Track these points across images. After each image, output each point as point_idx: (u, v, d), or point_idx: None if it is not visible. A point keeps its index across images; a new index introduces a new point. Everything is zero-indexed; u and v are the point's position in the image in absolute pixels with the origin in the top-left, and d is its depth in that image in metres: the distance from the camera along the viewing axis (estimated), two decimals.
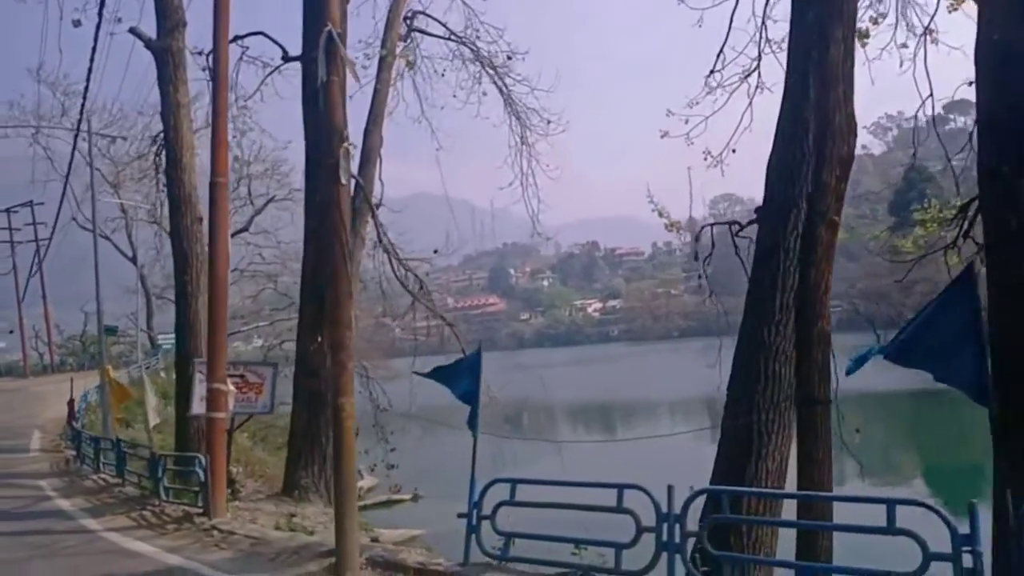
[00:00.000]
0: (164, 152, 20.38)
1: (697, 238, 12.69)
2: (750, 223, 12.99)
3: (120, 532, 10.01)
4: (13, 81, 56.82)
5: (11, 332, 59.18)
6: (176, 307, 19.84)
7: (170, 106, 19.44)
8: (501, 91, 20.51)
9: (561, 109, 20.70)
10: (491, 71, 20.24)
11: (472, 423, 7.25)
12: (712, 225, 12.73)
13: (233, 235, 51.77)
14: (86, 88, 19.50)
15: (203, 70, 19.21)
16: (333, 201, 7.53)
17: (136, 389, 31.90)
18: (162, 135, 20.94)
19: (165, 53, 19.39)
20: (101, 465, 14.62)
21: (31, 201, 55.70)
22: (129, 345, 62.87)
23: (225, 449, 10.49)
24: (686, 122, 11.22)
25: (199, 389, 11.44)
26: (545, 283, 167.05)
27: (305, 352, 11.92)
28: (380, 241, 15.35)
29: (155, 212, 53.17)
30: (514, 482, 6.75)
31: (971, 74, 6.12)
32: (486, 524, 6.84)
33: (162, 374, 39.04)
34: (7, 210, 56.50)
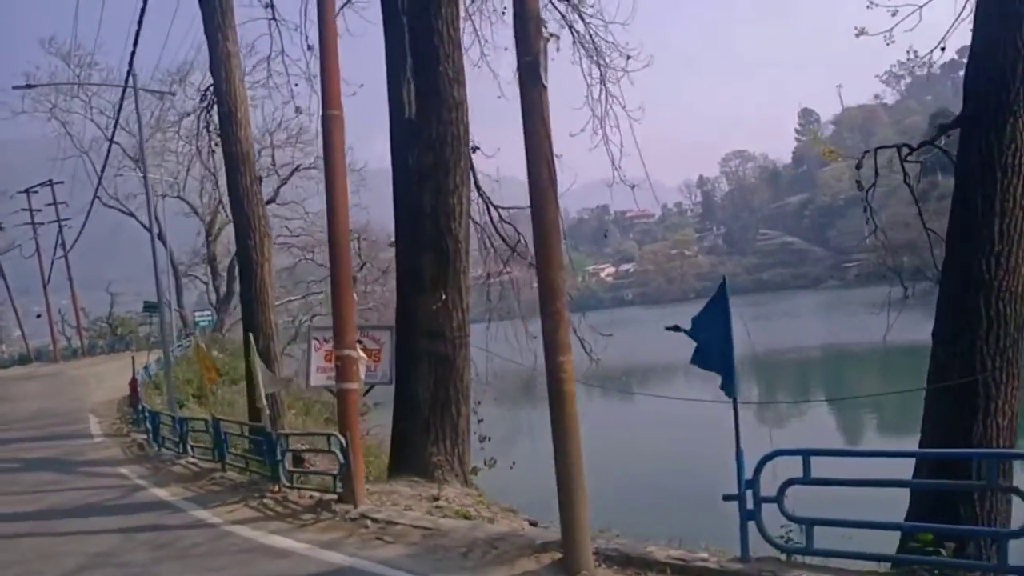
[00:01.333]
0: (215, 107, 18.83)
1: (858, 166, 11.17)
2: (922, 144, 11.41)
3: (248, 525, 8.65)
4: (25, 53, 54.27)
5: (39, 316, 58.12)
6: (240, 277, 18.41)
7: (219, 56, 17.83)
8: (573, 28, 18.60)
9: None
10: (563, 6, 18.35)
11: (727, 384, 5.73)
12: (879, 148, 11.14)
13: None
14: (135, 42, 17.79)
15: (265, 7, 17.46)
16: (535, 109, 5.94)
17: (187, 365, 30.74)
18: (212, 90, 19.34)
19: None
20: (189, 448, 13.28)
21: (50, 180, 54.20)
22: (156, 325, 61.98)
23: (360, 425, 9.06)
24: None
25: (315, 358, 9.99)
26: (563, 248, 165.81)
27: (424, 311, 10.42)
28: (478, 189, 13.76)
29: (178, 186, 52.23)
30: (807, 453, 5.24)
31: None
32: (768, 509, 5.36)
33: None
34: (27, 191, 55.02)
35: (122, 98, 20.01)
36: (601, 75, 13.76)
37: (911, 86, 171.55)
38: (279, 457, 9.76)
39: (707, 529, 6.93)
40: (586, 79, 13.87)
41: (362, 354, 9.11)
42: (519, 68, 6.03)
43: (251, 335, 16.13)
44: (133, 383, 19.14)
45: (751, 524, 5.33)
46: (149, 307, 35.52)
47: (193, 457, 13.23)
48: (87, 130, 52.07)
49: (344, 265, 9.12)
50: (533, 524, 8.74)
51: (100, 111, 49.58)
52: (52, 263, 55.38)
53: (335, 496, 9.01)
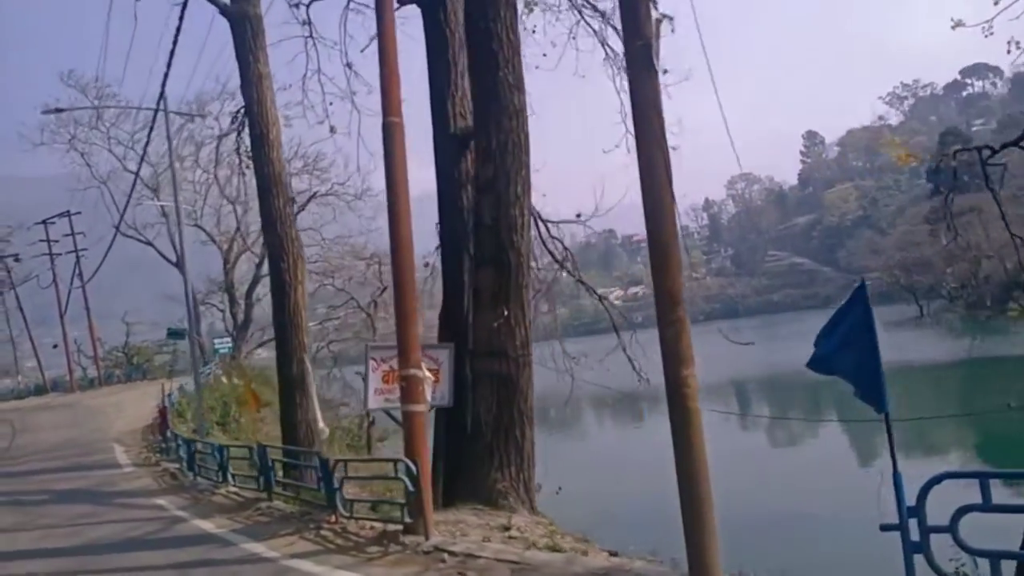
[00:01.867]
0: (247, 130, 18.49)
1: (936, 169, 10.49)
2: (1004, 146, 10.83)
3: (309, 559, 8.03)
4: (44, 87, 54.60)
5: (55, 347, 57.83)
6: (273, 300, 17.94)
7: (251, 78, 17.57)
8: (606, 44, 18.18)
9: None
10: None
11: (875, 397, 5.12)
12: (957, 151, 10.59)
13: None
14: (169, 63, 17.53)
15: (303, 24, 17.18)
16: (649, 98, 5.42)
17: (207, 393, 30.15)
18: (243, 112, 19.03)
19: (243, 19, 17.52)
20: (230, 477, 12.67)
21: (68, 211, 54.28)
22: (173, 354, 61.59)
23: (428, 451, 8.46)
24: None
25: (373, 379, 9.43)
26: (564, 274, 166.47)
27: (484, 329, 9.87)
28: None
29: (195, 214, 52.07)
30: (984, 476, 4.59)
31: None
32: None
33: (225, 379, 37.17)
34: (44, 222, 55.06)
35: (153, 120, 19.66)
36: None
37: (914, 107, 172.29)
38: (336, 485, 9.14)
39: (847, 562, 6.27)
40: (619, 93, 13.47)
41: (428, 374, 8.54)
42: (627, 54, 5.54)
43: (284, 361, 15.72)
44: (163, 411, 18.60)
45: (917, 557, 4.68)
46: (174, 334, 35.10)
47: (234, 486, 12.63)
48: (103, 161, 52.18)
49: (408, 279, 8.58)
50: (613, 555, 8.09)
51: (118, 142, 49.77)
52: (69, 293, 55.23)
53: (399, 527, 8.41)
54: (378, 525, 8.82)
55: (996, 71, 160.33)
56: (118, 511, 12.50)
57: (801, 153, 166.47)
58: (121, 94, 50.01)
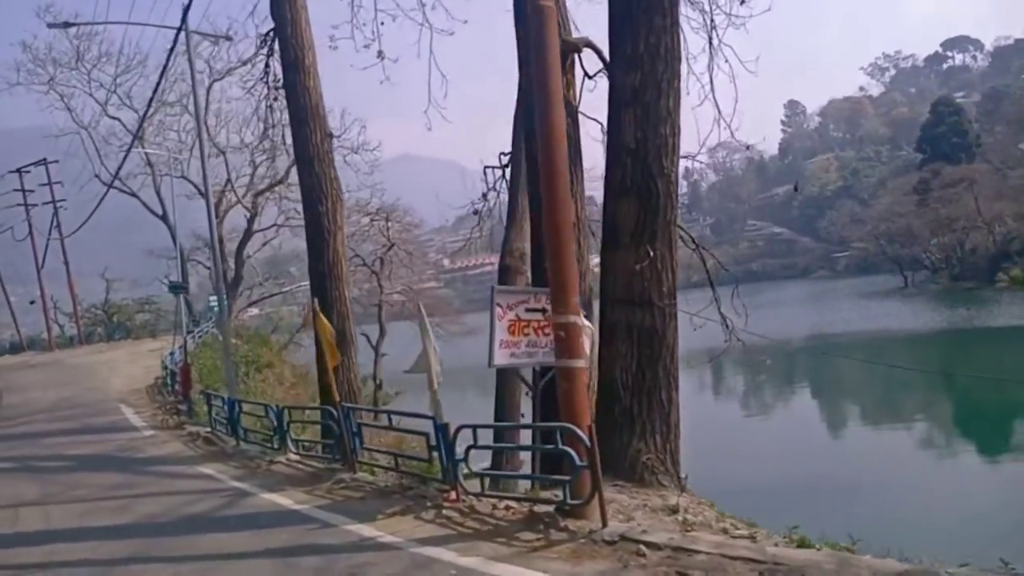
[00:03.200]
0: (279, 55, 16.47)
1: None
2: None
3: (447, 547, 6.45)
4: (22, 21, 51.07)
5: (32, 303, 55.11)
6: (310, 248, 16.17)
7: None
8: None
9: None
10: None
11: None
12: None
13: (269, 188, 48.11)
14: None
15: None
16: None
17: (208, 353, 28.38)
18: (273, 35, 16.99)
19: None
20: (290, 443, 11.04)
21: (44, 159, 51.22)
22: (155, 313, 59.18)
23: (591, 418, 6.89)
24: None
25: (499, 330, 7.81)
26: None
27: (622, 272, 8.28)
28: None
29: (182, 165, 49.35)
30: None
31: None
32: None
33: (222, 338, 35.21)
34: (19, 170, 51.90)
35: (174, 44, 17.49)
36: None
37: (895, 78, 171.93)
38: (463, 456, 7.56)
39: None
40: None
41: (588, 323, 6.96)
42: None
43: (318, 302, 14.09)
44: (185, 370, 16.80)
45: None
46: (175, 288, 32.89)
47: (295, 453, 11.01)
48: (82, 107, 49.15)
49: (563, 202, 6.93)
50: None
51: (100, 85, 46.70)
52: (47, 246, 52.37)
53: (548, 508, 6.89)
54: (513, 504, 7.29)
55: (977, 44, 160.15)
56: (161, 481, 10.83)
57: (782, 123, 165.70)
58: (104, 32, 46.62)
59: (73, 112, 47.30)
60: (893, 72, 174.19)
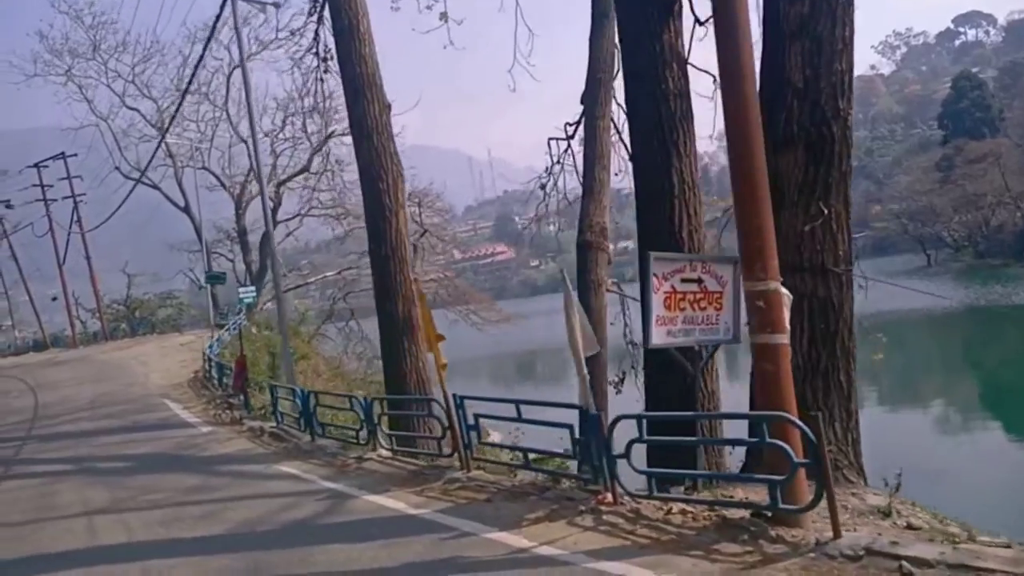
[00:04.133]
0: (329, 24, 15.35)
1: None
2: None
3: (631, 562, 5.37)
4: (36, 10, 49.92)
5: (54, 299, 54.40)
6: (369, 228, 15.05)
7: None
8: None
9: None
10: None
11: None
12: None
13: (293, 177, 47.06)
14: None
15: None
16: None
17: (246, 346, 27.43)
18: (322, 2, 15.87)
19: None
20: (381, 438, 9.98)
21: (63, 153, 50.29)
22: (177, 307, 58.41)
23: (793, 402, 5.77)
24: None
25: (656, 304, 6.68)
26: (552, 228, 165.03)
27: (786, 236, 7.13)
28: None
29: (203, 156, 48.31)
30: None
31: None
32: None
33: (255, 330, 34.32)
34: (36, 165, 51.02)
35: (220, 11, 16.39)
36: None
37: (907, 56, 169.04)
38: (622, 451, 6.46)
39: None
40: None
41: (786, 291, 5.82)
42: None
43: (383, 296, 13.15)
44: (240, 362, 15.77)
45: None
46: (213, 278, 31.98)
47: (386, 449, 9.95)
48: (100, 98, 48.18)
49: (757, 148, 5.78)
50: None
51: (118, 75, 45.69)
52: (67, 241, 51.59)
53: (742, 513, 5.80)
54: (690, 508, 6.19)
55: (989, 19, 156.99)
56: (242, 482, 9.80)
57: None
58: (119, 21, 45.69)
59: (91, 103, 46.40)
60: (904, 50, 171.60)
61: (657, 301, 6.70)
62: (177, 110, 30.88)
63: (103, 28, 45.33)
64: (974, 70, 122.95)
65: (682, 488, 6.75)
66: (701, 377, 7.30)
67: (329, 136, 45.85)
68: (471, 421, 8.05)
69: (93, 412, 18.49)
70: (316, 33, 16.05)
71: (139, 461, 12.12)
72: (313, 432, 11.61)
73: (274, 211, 47.18)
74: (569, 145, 16.47)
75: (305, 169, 46.88)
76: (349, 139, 46.32)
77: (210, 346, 25.11)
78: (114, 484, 10.40)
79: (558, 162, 16.62)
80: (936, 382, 33.40)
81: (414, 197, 36.52)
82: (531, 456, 8.29)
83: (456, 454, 8.47)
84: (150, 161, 31.46)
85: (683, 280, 6.89)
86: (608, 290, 14.03)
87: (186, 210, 48.29)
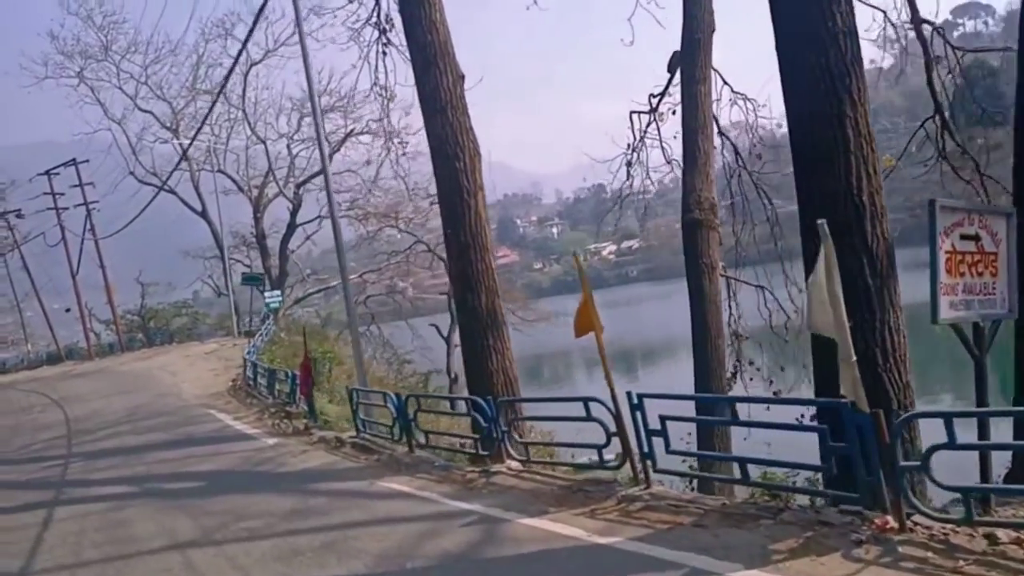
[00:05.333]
0: None
1: None
2: None
3: None
4: (47, 10, 48.33)
5: (67, 311, 52.96)
6: (445, 213, 13.60)
7: None
8: None
9: None
10: None
11: None
12: None
13: (311, 178, 45.57)
14: None
15: None
16: None
17: (280, 351, 25.98)
18: None
19: None
20: (509, 448, 8.47)
21: (74, 160, 48.84)
22: (192, 316, 56.97)
23: None
24: None
25: (940, 266, 5.16)
26: (555, 230, 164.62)
27: None
28: None
29: (217, 159, 46.81)
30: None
31: None
32: None
33: (284, 335, 32.78)
34: (47, 172, 49.58)
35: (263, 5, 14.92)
36: None
37: (905, 49, 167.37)
38: (903, 460, 4.94)
39: None
40: None
41: None
42: None
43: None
44: (307, 367, 14.25)
45: None
46: (250, 279, 30.42)
47: (518, 460, 8.43)
48: (110, 102, 46.83)
49: None
50: None
51: (130, 76, 44.35)
52: (81, 250, 50.13)
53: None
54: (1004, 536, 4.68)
55: (988, 10, 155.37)
56: (350, 504, 8.26)
57: None
58: (130, 20, 44.36)
59: (104, 105, 45.03)
60: (904, 42, 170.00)
61: (940, 263, 5.19)
62: (209, 111, 29.52)
63: (114, 29, 44.08)
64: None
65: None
66: (981, 363, 5.75)
67: (349, 134, 44.50)
68: (654, 425, 6.50)
69: (134, 425, 16.99)
70: (376, 2, 14.56)
71: (209, 480, 10.62)
72: (412, 442, 10.09)
73: (294, 213, 45.86)
74: (653, 118, 15.00)
75: (324, 170, 45.35)
76: (365, 139, 44.69)
77: (248, 352, 23.63)
78: (192, 508, 8.90)
79: (642, 139, 15.12)
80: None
81: (434, 198, 35.01)
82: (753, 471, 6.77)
83: (628, 465, 6.94)
84: (178, 163, 30.05)
85: (962, 237, 5.39)
86: (721, 275, 12.56)
87: (203, 214, 46.89)
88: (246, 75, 41.93)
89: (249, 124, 43.26)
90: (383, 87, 15.72)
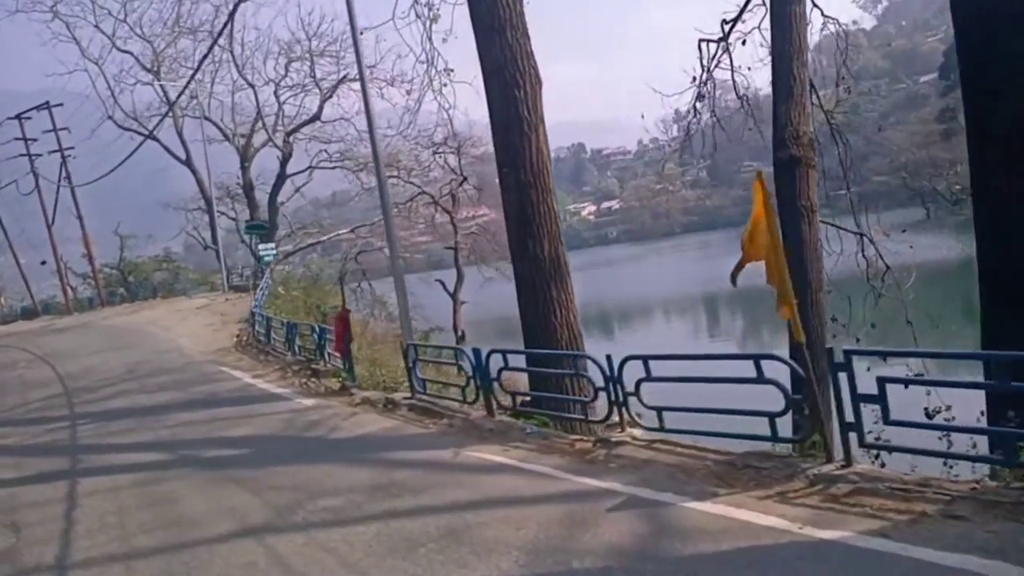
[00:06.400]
0: None
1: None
2: None
3: None
4: None
5: (43, 263, 50.43)
6: (501, 150, 12.14)
7: None
8: None
9: None
10: None
11: None
12: None
13: (302, 126, 43.32)
14: None
15: None
16: None
17: (282, 304, 24.40)
18: None
19: None
20: (625, 412, 7.16)
21: (47, 103, 45.97)
22: (173, 271, 54.88)
23: None
24: None
25: None
26: None
27: None
28: None
29: (201, 107, 44.18)
30: None
31: None
32: None
33: (282, 290, 31.05)
34: (19, 116, 46.64)
35: None
36: None
37: (888, 10, 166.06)
38: None
39: None
40: None
41: None
42: None
43: None
44: (344, 319, 12.75)
45: None
46: (253, 228, 28.53)
47: (644, 428, 7.13)
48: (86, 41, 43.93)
49: None
50: None
51: (109, 12, 41.46)
52: (56, 199, 47.52)
53: None
54: None
55: None
56: (444, 479, 6.91)
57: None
58: None
59: (80, 44, 42.21)
60: (885, 3, 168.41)
61: None
62: (210, 49, 27.24)
63: None
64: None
65: None
66: None
67: (342, 80, 42.17)
68: (872, 390, 5.21)
69: (141, 384, 15.48)
70: None
71: (253, 446, 9.24)
72: (492, 405, 8.75)
73: (284, 163, 43.72)
74: (725, 46, 13.52)
75: (316, 117, 43.23)
76: (358, 85, 42.57)
77: (256, 306, 22.06)
78: (248, 481, 7.50)
79: (710, 69, 13.64)
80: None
81: (451, 142, 33.19)
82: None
83: (821, 439, 5.66)
84: (169, 110, 27.82)
85: None
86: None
87: (187, 163, 44.54)
88: (232, 13, 39.28)
89: (237, 67, 40.80)
90: (426, 4, 14.01)
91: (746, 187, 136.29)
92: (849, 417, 5.39)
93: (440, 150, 33.68)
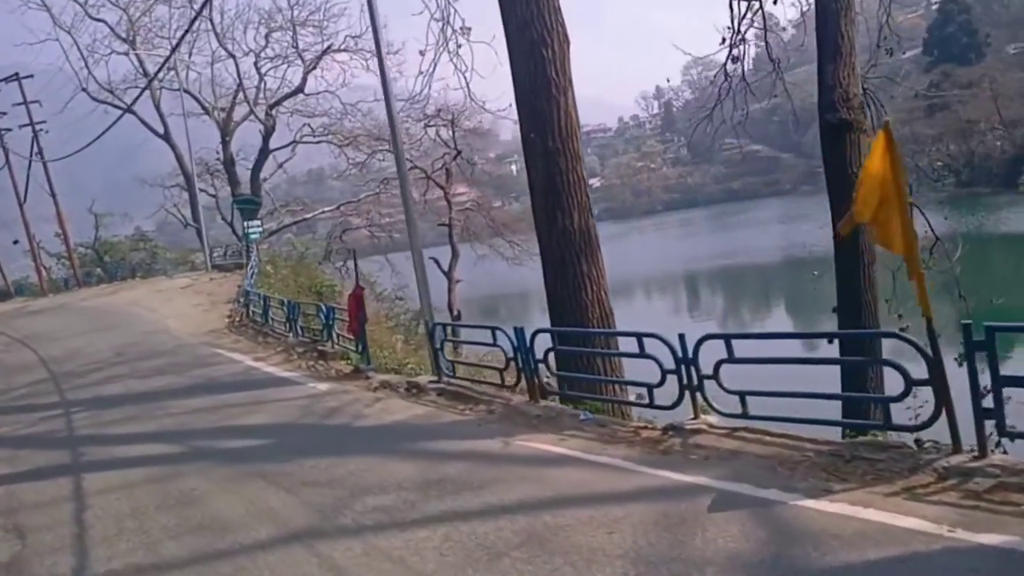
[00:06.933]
0: None
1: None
2: None
3: None
4: None
5: (16, 242, 48.65)
6: (526, 115, 11.38)
7: None
8: None
9: None
10: None
11: None
12: None
13: (285, 98, 41.91)
14: None
15: None
16: None
17: (274, 282, 23.51)
18: None
19: None
20: (703, 399, 6.48)
21: (16, 74, 44.01)
22: (150, 251, 53.33)
23: None
24: None
25: None
26: (513, 168, 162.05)
27: None
28: None
29: (179, 80, 42.53)
30: None
31: None
32: None
33: (271, 268, 30.00)
34: None
35: None
36: None
37: None
38: None
39: None
40: None
41: None
42: None
43: None
44: (358, 297, 11.86)
45: None
46: (244, 204, 27.29)
47: (717, 414, 6.47)
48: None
49: None
50: None
51: None
52: (28, 175, 45.73)
53: None
54: None
55: None
56: (500, 473, 6.20)
57: (756, 37, 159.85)
58: None
59: (51, 11, 40.34)
60: None
61: None
62: (195, 18, 25.86)
63: None
64: None
65: None
66: None
67: (327, 51, 40.81)
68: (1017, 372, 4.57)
69: (132, 367, 14.57)
70: None
71: (274, 436, 8.47)
72: (535, 390, 8.04)
73: (267, 137, 42.39)
74: (761, 5, 12.79)
75: (299, 90, 41.88)
76: (343, 57, 40.76)
77: (249, 285, 21.12)
78: (279, 477, 6.74)
79: (740, 30, 12.89)
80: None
81: (445, 114, 32.10)
82: None
83: (950, 428, 5.01)
84: (149, 83, 26.65)
85: None
86: None
87: (166, 138, 43.02)
88: None
89: (217, 36, 39.21)
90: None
91: (728, 164, 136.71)
92: (987, 403, 4.75)
93: (432, 122, 32.57)
